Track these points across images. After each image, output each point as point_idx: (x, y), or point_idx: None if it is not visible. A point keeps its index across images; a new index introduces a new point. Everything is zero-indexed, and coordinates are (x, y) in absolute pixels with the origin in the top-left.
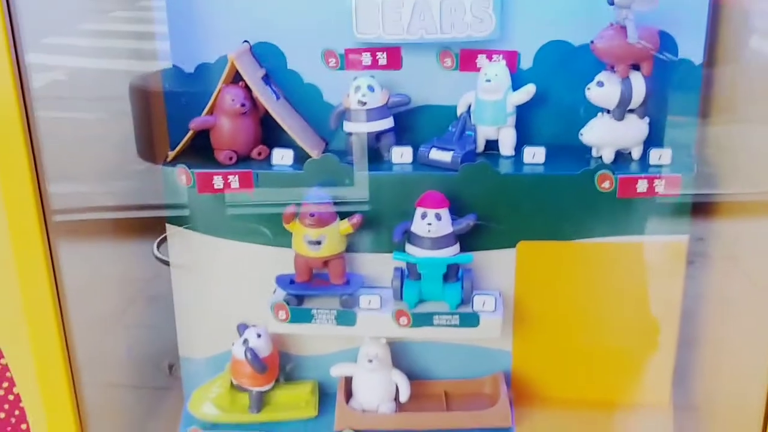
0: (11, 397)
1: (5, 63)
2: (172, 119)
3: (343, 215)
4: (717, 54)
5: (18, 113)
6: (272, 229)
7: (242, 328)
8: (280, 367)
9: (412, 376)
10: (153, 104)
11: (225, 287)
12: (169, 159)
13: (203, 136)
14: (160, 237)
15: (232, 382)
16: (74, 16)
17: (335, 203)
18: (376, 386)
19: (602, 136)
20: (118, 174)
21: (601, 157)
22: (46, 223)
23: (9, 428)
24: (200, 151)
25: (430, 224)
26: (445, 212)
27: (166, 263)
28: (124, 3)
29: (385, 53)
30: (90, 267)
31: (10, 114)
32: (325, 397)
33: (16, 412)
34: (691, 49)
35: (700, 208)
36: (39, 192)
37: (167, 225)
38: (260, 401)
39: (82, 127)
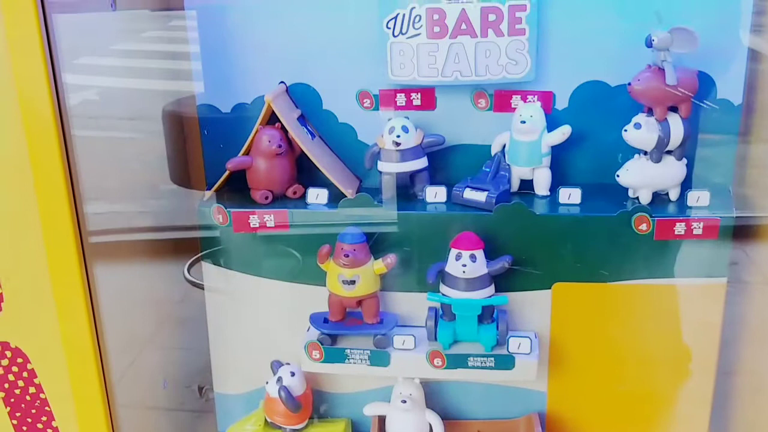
0: (44, 418)
1: (43, 84)
2: (208, 157)
3: (378, 256)
4: (756, 95)
5: (55, 133)
6: (307, 267)
7: (276, 365)
8: (313, 405)
9: (446, 416)
10: (187, 128)
11: (259, 324)
12: (206, 198)
13: (239, 175)
14: (192, 259)
15: (266, 420)
16: (107, 36)
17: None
18: (409, 426)
19: (639, 177)
20: (151, 195)
21: (637, 198)
22: (82, 244)
23: None
24: (236, 189)
25: (464, 266)
26: (479, 253)
27: (197, 286)
28: (156, 23)
29: (419, 94)
30: (121, 288)
31: (47, 134)
32: None
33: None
34: (730, 89)
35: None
36: (76, 212)
37: (203, 263)
38: None
39: (115, 148)
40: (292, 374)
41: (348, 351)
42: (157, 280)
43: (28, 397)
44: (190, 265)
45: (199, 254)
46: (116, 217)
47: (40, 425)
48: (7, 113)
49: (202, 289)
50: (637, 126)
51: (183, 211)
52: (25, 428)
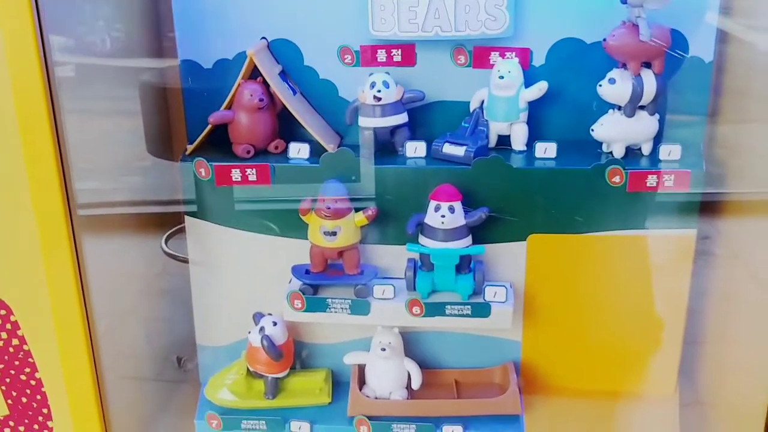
0: (33, 382)
1: (35, 67)
2: (189, 113)
3: (358, 208)
4: (727, 52)
5: (46, 110)
6: (288, 220)
7: (258, 316)
8: (295, 354)
9: (424, 366)
10: (169, 100)
11: (241, 277)
12: (187, 153)
13: (221, 131)
14: (168, 232)
15: (248, 369)
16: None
17: (351, 197)
18: (388, 374)
19: (613, 132)
20: (131, 170)
21: (611, 153)
22: (71, 217)
23: (30, 412)
24: (218, 145)
25: (443, 216)
26: (458, 205)
27: (175, 258)
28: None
29: (399, 50)
30: (102, 261)
31: (38, 111)
32: (338, 385)
33: (38, 397)
34: (702, 47)
35: (706, 207)
36: (65, 187)
37: (186, 217)
38: (275, 388)
39: (97, 124)
40: (274, 324)
41: (329, 300)
42: (136, 253)
43: (11, 349)
44: (168, 238)
45: (177, 227)
46: (99, 193)
47: (23, 377)
48: None
49: (180, 261)
50: (612, 81)
51: (161, 187)
52: (8, 380)
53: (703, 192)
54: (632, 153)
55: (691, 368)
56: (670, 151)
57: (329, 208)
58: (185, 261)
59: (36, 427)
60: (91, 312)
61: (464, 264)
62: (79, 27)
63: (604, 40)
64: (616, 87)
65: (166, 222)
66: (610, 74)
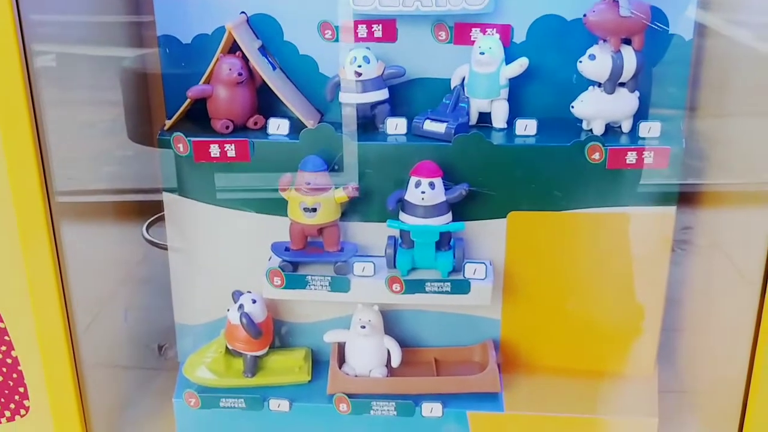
0: (9, 361)
1: (13, 51)
2: (168, 90)
3: (338, 185)
4: (706, 46)
5: (24, 96)
6: (267, 197)
7: (237, 294)
8: (274, 333)
9: (404, 344)
10: (149, 85)
11: (221, 255)
12: (165, 127)
13: (200, 107)
14: (150, 219)
15: (227, 347)
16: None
17: (331, 171)
18: (368, 352)
19: (593, 108)
20: (112, 159)
21: (591, 130)
22: (50, 204)
23: (7, 390)
24: (197, 120)
25: (423, 192)
26: (438, 181)
27: (156, 245)
28: None
29: (380, 25)
30: (82, 248)
31: (17, 98)
32: (318, 364)
33: (14, 375)
34: (682, 24)
35: (686, 197)
36: (44, 173)
37: (164, 194)
38: (255, 366)
39: (76, 113)
40: (254, 301)
41: (309, 277)
42: (116, 240)
43: None
44: (149, 225)
45: (158, 215)
46: (78, 181)
47: (4, 368)
48: None
49: (161, 248)
50: (592, 57)
51: (143, 173)
52: None
53: (682, 183)
54: (612, 130)
55: (671, 355)
56: (650, 128)
57: (309, 184)
58: (166, 248)
59: (12, 406)
60: (69, 296)
61: (444, 241)
62: (58, 14)
63: (584, 15)
64: (596, 63)
65: (147, 210)
66: (591, 50)
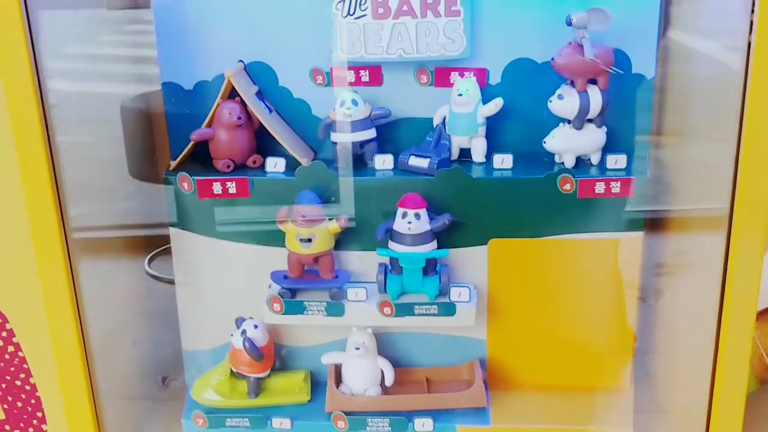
0: (28, 387)
1: (30, 90)
2: (172, 132)
3: (331, 217)
4: (667, 74)
5: (41, 137)
6: (266, 230)
7: (240, 321)
8: (275, 356)
9: (396, 365)
10: (153, 122)
11: (223, 284)
12: (171, 168)
13: (202, 148)
14: (151, 253)
15: (231, 371)
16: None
17: (325, 204)
18: (363, 372)
19: (563, 143)
20: (117, 195)
21: (563, 163)
22: (66, 239)
23: (25, 416)
24: (199, 160)
25: (410, 222)
26: (423, 212)
27: (158, 279)
28: (114, 26)
29: (367, 71)
30: (93, 282)
31: (34, 137)
32: (316, 385)
33: (32, 401)
34: (644, 64)
35: (652, 222)
36: (61, 210)
37: (170, 228)
38: (258, 387)
39: (80, 150)
40: (256, 327)
41: (306, 303)
42: (121, 275)
43: (6, 356)
44: (150, 259)
45: (158, 249)
46: (88, 216)
47: (18, 382)
48: None
49: (163, 282)
50: (561, 97)
51: (146, 208)
52: (4, 385)
53: (648, 209)
54: (582, 163)
55: (648, 376)
56: (616, 161)
57: (304, 216)
58: (169, 282)
59: (31, 430)
60: (86, 326)
61: (430, 267)
62: (71, 57)
63: (553, 59)
64: (564, 102)
65: (151, 244)
66: (559, 91)
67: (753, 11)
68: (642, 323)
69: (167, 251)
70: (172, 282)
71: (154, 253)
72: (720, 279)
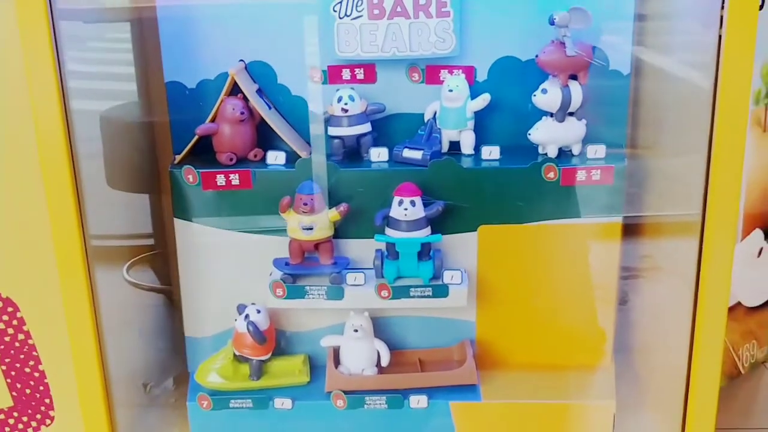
0: (37, 374)
1: (55, 102)
2: (175, 127)
3: (331, 205)
4: (641, 87)
5: (65, 143)
6: (268, 219)
7: (242, 307)
8: (276, 341)
9: (392, 347)
10: (134, 130)
11: (226, 273)
12: (176, 162)
13: (205, 143)
14: (129, 261)
15: (234, 354)
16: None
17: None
18: (360, 353)
19: (547, 135)
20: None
21: (546, 153)
22: (86, 248)
23: (33, 402)
24: (202, 154)
25: (406, 209)
26: (418, 199)
27: (137, 286)
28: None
29: (362, 69)
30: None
31: (57, 143)
32: (315, 368)
33: (41, 388)
34: (620, 61)
35: (628, 228)
36: (81, 218)
37: (175, 220)
38: (260, 370)
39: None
40: (258, 311)
41: (307, 288)
42: (103, 284)
43: (17, 344)
44: (129, 267)
45: (137, 257)
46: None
47: (27, 369)
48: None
49: (142, 289)
50: (544, 91)
51: (125, 219)
52: (13, 373)
53: (625, 215)
54: (564, 153)
55: (628, 352)
56: (596, 150)
57: (306, 204)
58: (149, 290)
59: (38, 416)
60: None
61: (425, 251)
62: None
63: (537, 56)
64: (548, 96)
65: (129, 254)
66: (543, 85)
67: (721, 26)
68: (619, 322)
69: (145, 260)
70: (151, 290)
71: (132, 261)
72: (694, 279)
